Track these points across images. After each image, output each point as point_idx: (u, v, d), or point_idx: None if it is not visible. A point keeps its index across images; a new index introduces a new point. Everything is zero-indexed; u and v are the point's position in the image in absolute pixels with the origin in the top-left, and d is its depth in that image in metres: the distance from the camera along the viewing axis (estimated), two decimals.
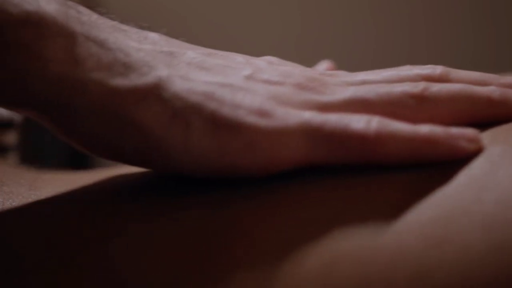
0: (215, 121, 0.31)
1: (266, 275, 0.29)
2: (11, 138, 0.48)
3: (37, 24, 0.30)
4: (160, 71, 0.32)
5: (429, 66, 0.35)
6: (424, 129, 0.31)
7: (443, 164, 0.31)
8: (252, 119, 0.31)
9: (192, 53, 0.34)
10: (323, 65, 0.43)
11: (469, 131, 0.31)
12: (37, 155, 1.10)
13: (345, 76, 0.35)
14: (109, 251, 0.31)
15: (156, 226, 0.31)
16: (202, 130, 0.31)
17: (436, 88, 0.33)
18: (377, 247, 0.29)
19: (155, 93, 0.31)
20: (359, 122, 0.31)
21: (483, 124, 0.33)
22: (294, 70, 0.34)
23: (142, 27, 0.34)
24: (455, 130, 0.31)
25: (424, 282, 0.28)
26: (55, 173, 0.40)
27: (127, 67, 0.31)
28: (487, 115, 0.33)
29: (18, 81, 0.30)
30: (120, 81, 0.31)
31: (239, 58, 0.35)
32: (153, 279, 0.30)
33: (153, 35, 0.34)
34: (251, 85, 0.33)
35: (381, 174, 0.31)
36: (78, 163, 1.60)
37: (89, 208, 0.33)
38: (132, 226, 0.32)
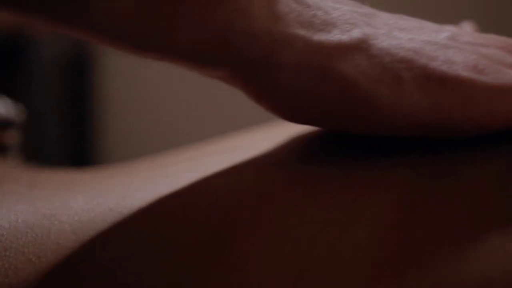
0: (429, 75, 0.31)
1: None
2: (11, 138, 0.48)
3: None
4: (363, 28, 0.32)
5: None
6: None
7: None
8: (469, 74, 0.31)
9: (385, 15, 0.34)
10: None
11: None
12: (38, 154, 1.10)
13: None
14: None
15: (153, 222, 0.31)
16: (414, 84, 0.31)
17: None
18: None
19: (361, 49, 0.31)
20: None
21: None
22: (489, 35, 0.34)
23: None
24: None
25: None
26: (56, 173, 0.40)
27: (328, 24, 0.31)
28: None
29: (222, 38, 0.30)
30: (323, 37, 0.31)
31: (429, 23, 0.34)
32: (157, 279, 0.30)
33: None
34: (458, 44, 0.32)
35: (385, 170, 0.31)
36: (79, 162, 1.60)
37: None
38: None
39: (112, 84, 1.71)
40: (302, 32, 0.31)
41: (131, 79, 1.70)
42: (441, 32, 0.33)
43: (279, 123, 0.37)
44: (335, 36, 0.31)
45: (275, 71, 0.31)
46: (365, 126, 0.31)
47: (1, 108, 0.48)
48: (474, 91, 0.31)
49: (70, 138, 1.54)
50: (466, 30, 0.38)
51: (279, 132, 0.36)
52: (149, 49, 0.30)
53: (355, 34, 0.31)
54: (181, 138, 1.50)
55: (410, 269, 0.28)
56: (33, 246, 0.31)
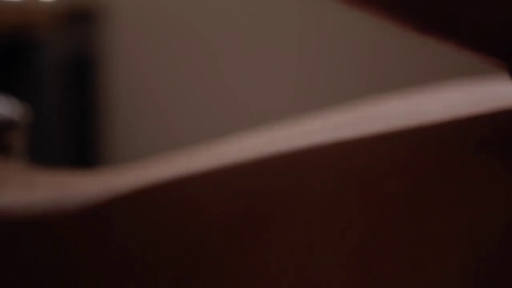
0: None
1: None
2: (12, 138, 0.48)
3: None
4: None
5: None
6: None
7: None
8: None
9: None
10: None
11: None
12: (41, 155, 1.10)
13: None
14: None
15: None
16: None
17: None
18: None
19: None
20: None
21: None
22: None
23: None
24: None
25: None
26: (56, 174, 0.40)
27: None
28: None
29: (500, 24, 0.29)
30: None
31: None
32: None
33: None
34: None
35: None
36: (82, 163, 1.60)
37: None
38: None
39: (116, 86, 1.72)
40: None
41: (135, 81, 1.71)
42: None
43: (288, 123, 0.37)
44: None
45: None
46: None
47: (5, 109, 0.48)
48: None
49: (73, 139, 1.55)
50: None
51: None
52: (433, 30, 0.30)
53: None
54: (184, 140, 1.50)
55: None
56: None
